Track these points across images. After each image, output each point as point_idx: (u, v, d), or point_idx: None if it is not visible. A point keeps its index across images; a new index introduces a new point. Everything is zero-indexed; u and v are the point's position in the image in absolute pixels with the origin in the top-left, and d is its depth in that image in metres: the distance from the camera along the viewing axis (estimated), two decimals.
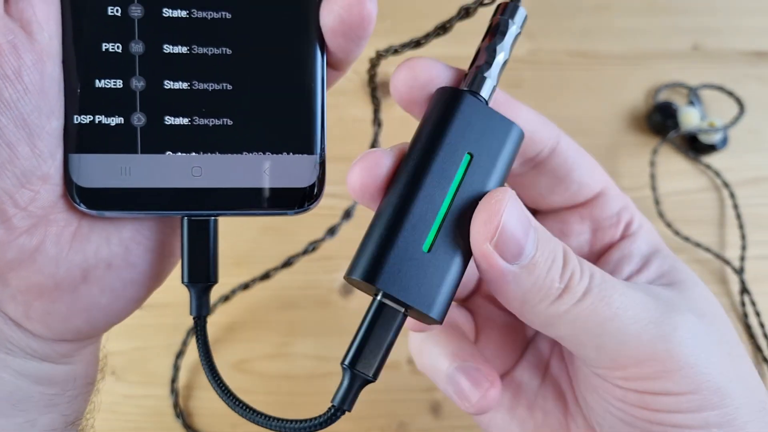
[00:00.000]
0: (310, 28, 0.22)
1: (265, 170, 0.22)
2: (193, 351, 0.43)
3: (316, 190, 0.23)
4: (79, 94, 0.21)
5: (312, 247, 0.43)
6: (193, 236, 0.22)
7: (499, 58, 0.23)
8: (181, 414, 0.41)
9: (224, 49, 0.21)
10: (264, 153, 0.22)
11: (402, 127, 0.50)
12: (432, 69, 0.23)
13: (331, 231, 0.44)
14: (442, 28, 0.25)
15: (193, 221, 0.22)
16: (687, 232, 0.47)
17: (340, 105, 0.50)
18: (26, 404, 0.23)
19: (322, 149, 0.23)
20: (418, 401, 0.43)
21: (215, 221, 0.23)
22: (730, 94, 0.52)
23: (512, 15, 0.23)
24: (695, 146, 0.50)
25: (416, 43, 0.29)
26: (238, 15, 0.22)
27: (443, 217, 0.20)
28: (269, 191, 0.22)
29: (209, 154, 0.22)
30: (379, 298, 0.20)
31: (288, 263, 0.43)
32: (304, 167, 0.22)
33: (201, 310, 0.24)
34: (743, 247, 0.47)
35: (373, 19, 0.21)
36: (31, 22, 0.20)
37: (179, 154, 0.22)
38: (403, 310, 0.20)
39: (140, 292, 0.24)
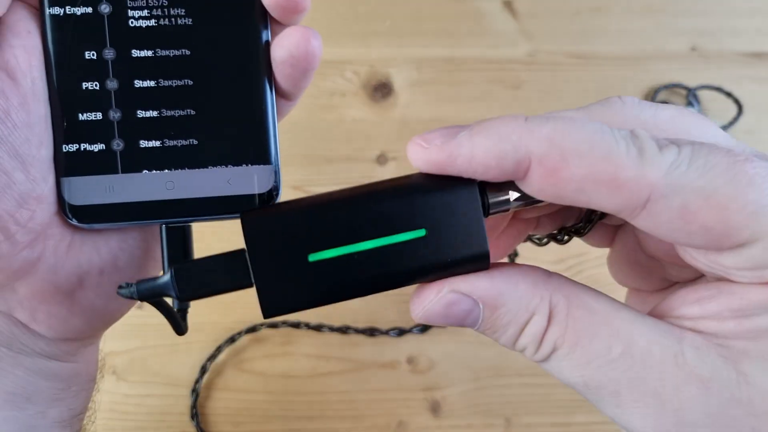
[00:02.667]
0: (259, 59, 0.25)
1: (228, 180, 0.25)
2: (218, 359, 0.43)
3: (273, 194, 0.25)
4: (65, 126, 0.24)
5: None
6: (171, 241, 0.25)
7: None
8: (197, 416, 0.42)
9: (186, 80, 0.25)
10: (226, 166, 0.25)
11: (402, 128, 0.50)
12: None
13: None
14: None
15: (170, 228, 0.25)
16: None
17: (339, 106, 0.51)
18: (37, 398, 0.27)
19: (277, 159, 0.26)
20: (417, 400, 0.43)
21: (189, 227, 0.26)
22: (729, 94, 0.52)
23: None
24: None
25: None
26: (195, 50, 0.25)
27: (351, 251, 0.21)
28: (233, 198, 0.25)
29: (180, 169, 0.25)
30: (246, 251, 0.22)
31: None
32: (261, 176, 0.25)
33: (183, 303, 0.26)
34: None
35: (318, 54, 0.24)
36: (15, 70, 0.23)
37: (154, 171, 0.25)
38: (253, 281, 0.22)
39: None
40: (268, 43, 0.25)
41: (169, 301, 0.25)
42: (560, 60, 0.53)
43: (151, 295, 0.23)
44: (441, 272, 0.21)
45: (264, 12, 0.25)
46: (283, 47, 0.24)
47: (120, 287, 0.23)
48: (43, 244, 0.25)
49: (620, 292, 0.26)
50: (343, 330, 0.44)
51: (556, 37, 0.54)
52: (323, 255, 0.21)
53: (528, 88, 0.52)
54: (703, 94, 0.53)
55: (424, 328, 0.45)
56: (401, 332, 0.44)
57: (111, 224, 0.25)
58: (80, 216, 0.25)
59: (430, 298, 0.21)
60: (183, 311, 0.27)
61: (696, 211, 0.18)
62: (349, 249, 0.21)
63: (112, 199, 0.25)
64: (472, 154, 0.19)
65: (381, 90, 0.51)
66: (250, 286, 0.22)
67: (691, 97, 0.52)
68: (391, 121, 0.50)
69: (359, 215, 0.21)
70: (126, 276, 0.27)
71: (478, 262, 0.21)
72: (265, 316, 0.22)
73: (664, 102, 0.52)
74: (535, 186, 0.19)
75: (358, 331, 0.44)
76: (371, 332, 0.44)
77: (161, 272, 0.26)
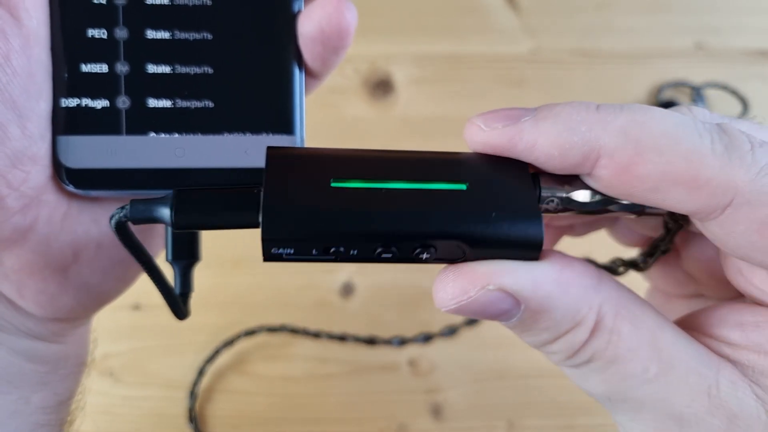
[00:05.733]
0: (288, 20, 0.23)
1: (246, 150, 0.22)
2: (218, 360, 0.43)
3: None
4: (66, 78, 0.22)
5: None
6: None
7: (580, 196, 0.19)
8: (195, 419, 0.41)
9: (205, 34, 0.22)
10: (244, 133, 0.22)
11: (403, 126, 0.50)
12: None
13: None
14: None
15: None
16: None
17: (338, 104, 0.50)
18: (20, 381, 0.24)
19: (301, 130, 0.23)
20: (418, 403, 0.42)
21: None
22: (734, 92, 0.51)
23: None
24: None
25: None
26: (218, 1, 0.22)
27: (380, 186, 0.18)
28: (250, 171, 0.22)
29: (191, 134, 0.22)
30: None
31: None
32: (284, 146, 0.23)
33: (185, 287, 0.25)
34: None
35: (352, 30, 0.22)
36: (18, 8, 0.21)
37: (162, 135, 0.22)
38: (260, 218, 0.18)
39: (128, 272, 0.26)
40: (300, 11, 0.23)
41: (172, 282, 0.23)
42: (564, 57, 0.53)
43: (145, 218, 0.19)
44: (476, 232, 0.17)
45: None
46: (312, 20, 0.22)
47: (115, 211, 0.20)
48: (36, 211, 0.22)
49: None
50: (342, 338, 0.44)
51: (560, 33, 0.53)
52: (348, 183, 0.18)
53: (531, 85, 0.51)
54: (709, 92, 0.52)
55: (426, 338, 0.44)
56: (403, 341, 0.44)
57: (111, 192, 0.22)
58: (77, 181, 0.22)
59: (470, 293, 0.18)
60: (185, 295, 0.25)
61: None
62: (378, 184, 0.18)
63: (113, 163, 0.22)
64: (534, 142, 0.18)
65: (381, 87, 0.51)
66: (255, 225, 0.18)
67: (696, 94, 0.51)
68: (391, 119, 0.50)
69: (397, 162, 0.18)
70: (125, 253, 0.24)
71: (527, 243, 0.18)
72: (264, 252, 0.18)
73: (670, 102, 0.51)
74: (603, 182, 0.18)
75: (357, 339, 0.44)
76: (371, 341, 0.44)
77: (164, 252, 0.24)
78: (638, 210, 0.19)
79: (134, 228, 0.23)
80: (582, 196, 0.19)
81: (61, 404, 0.26)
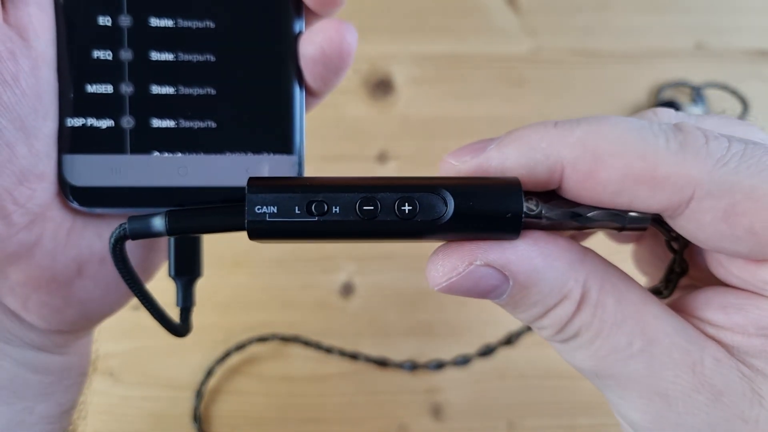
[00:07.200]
0: (288, 44, 0.23)
1: (247, 169, 0.23)
2: (227, 361, 0.43)
3: None
4: (71, 98, 0.22)
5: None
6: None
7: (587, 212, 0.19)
8: (199, 419, 0.41)
9: (208, 56, 0.23)
10: (245, 153, 0.23)
11: (404, 126, 0.50)
12: None
13: None
14: None
15: None
16: None
17: (339, 104, 0.50)
18: (25, 392, 0.25)
19: (301, 150, 0.24)
20: (418, 403, 0.42)
21: None
22: (734, 92, 0.51)
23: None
24: None
25: None
26: (221, 24, 0.23)
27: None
28: None
29: (194, 154, 0.23)
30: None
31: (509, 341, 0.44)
32: (283, 167, 0.23)
33: (186, 302, 0.25)
34: None
35: (353, 52, 0.22)
36: (27, 29, 0.21)
37: (165, 154, 0.23)
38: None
39: None
40: (301, 33, 0.23)
41: (159, 301, 0.24)
42: (564, 57, 0.53)
43: (142, 232, 0.20)
44: (457, 183, 0.19)
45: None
46: (314, 43, 0.22)
47: (114, 229, 0.21)
48: (41, 227, 0.23)
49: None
50: (354, 356, 0.43)
51: (560, 33, 0.53)
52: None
53: (531, 85, 0.51)
54: (709, 92, 0.52)
55: (438, 365, 0.44)
56: (414, 366, 0.44)
57: (115, 209, 0.23)
58: (82, 198, 0.23)
59: (459, 270, 0.18)
60: (186, 310, 0.25)
61: (743, 214, 0.17)
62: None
63: (117, 181, 0.23)
64: (503, 167, 0.19)
65: (381, 87, 0.51)
66: (243, 227, 0.19)
67: (696, 94, 0.51)
68: (392, 119, 0.50)
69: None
70: None
71: (507, 209, 0.18)
72: (249, 211, 0.18)
73: (670, 101, 0.51)
74: (572, 193, 0.18)
75: (369, 359, 0.43)
76: (383, 363, 0.43)
77: (167, 266, 0.25)
78: (619, 224, 0.20)
79: (138, 245, 0.25)
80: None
81: (63, 414, 0.27)
